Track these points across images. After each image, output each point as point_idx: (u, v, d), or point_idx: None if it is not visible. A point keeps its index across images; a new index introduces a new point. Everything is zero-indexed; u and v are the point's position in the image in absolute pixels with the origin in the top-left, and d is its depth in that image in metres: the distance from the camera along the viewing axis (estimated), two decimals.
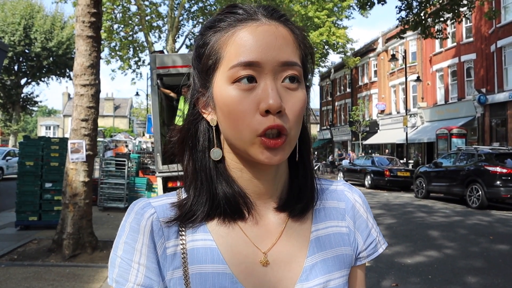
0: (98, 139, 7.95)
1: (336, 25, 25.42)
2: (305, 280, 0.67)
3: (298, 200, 0.70)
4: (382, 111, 30.25)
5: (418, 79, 23.07)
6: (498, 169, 10.99)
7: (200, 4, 20.61)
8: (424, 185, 14.15)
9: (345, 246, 0.73)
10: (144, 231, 0.65)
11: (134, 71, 21.45)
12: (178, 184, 7.46)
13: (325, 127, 42.88)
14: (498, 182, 10.89)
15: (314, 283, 0.67)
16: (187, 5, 20.45)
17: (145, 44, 20.50)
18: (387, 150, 25.36)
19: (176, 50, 19.75)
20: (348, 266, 0.72)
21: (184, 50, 22.27)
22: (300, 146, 0.70)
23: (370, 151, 31.27)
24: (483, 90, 19.58)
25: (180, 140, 0.71)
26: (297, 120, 0.63)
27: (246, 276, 0.65)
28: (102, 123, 39.63)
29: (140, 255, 0.64)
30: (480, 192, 11.17)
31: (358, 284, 0.75)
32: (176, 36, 19.93)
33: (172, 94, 7.89)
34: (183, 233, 0.66)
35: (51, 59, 29.94)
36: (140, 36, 20.68)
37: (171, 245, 0.66)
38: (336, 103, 39.43)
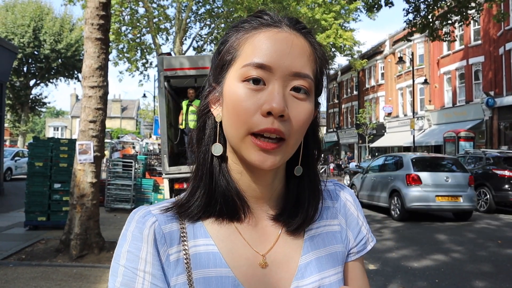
0: (105, 140, 8.00)
1: (343, 27, 25.35)
2: (300, 278, 0.69)
3: (295, 213, 0.71)
4: (389, 114, 30.11)
5: (425, 82, 22.95)
6: (507, 172, 10.91)
7: (208, 7, 20.69)
8: None
9: (338, 244, 0.75)
10: (147, 239, 0.65)
11: (141, 73, 21.53)
12: (185, 186, 7.49)
13: (331, 130, 42.78)
14: (506, 186, 10.80)
15: (309, 280, 0.69)
16: (194, 8, 20.53)
17: (152, 46, 20.62)
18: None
19: (183, 52, 19.83)
20: (341, 263, 0.75)
21: (191, 52, 22.38)
22: (305, 159, 0.71)
23: (377, 154, 31.13)
24: (491, 93, 19.43)
25: (195, 134, 0.72)
26: (299, 129, 0.64)
27: (247, 279, 0.66)
28: (109, 124, 39.87)
29: (145, 263, 0.64)
30: (488, 196, 11.08)
31: (352, 278, 0.76)
32: (184, 38, 20.02)
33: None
34: (185, 239, 0.67)
35: (59, 60, 30.14)
36: (148, 38, 20.83)
37: (173, 251, 0.66)
38: (343, 106, 39.32)
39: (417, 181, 9.53)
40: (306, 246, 0.72)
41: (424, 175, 9.60)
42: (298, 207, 0.72)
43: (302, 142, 0.69)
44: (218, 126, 0.69)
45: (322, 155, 0.75)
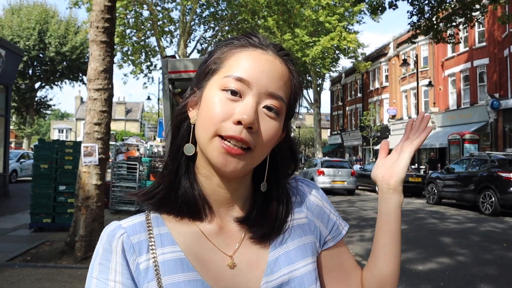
0: (110, 142, 8.02)
1: (347, 30, 25.37)
2: (270, 274, 0.71)
3: (261, 223, 0.74)
4: (393, 116, 30.03)
5: (430, 84, 22.88)
6: None
7: (212, 9, 20.75)
8: (436, 191, 14.01)
9: (306, 236, 0.78)
10: (116, 250, 0.69)
11: (146, 75, 21.60)
12: None
13: (335, 132, 42.71)
14: (511, 189, 10.73)
15: (278, 274, 0.72)
16: (198, 10, 20.59)
17: (157, 48, 20.68)
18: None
19: (187, 54, 19.89)
20: (312, 254, 0.76)
21: (195, 55, 22.42)
22: (274, 174, 0.76)
23: None
24: (496, 95, 19.34)
25: (170, 131, 0.76)
26: (266, 143, 0.68)
27: (216, 281, 0.69)
28: (113, 126, 39.98)
29: (115, 273, 0.67)
30: (493, 199, 11.01)
31: (338, 264, 0.80)
32: (188, 41, 20.06)
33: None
34: (153, 247, 0.70)
35: (64, 63, 30.26)
36: (152, 41, 20.85)
37: (143, 260, 0.69)
38: (347, 108, 39.27)
39: (323, 173, 17.30)
40: (274, 243, 0.74)
41: (326, 170, 17.39)
42: (264, 218, 0.74)
43: (268, 159, 0.73)
44: (192, 128, 0.72)
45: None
